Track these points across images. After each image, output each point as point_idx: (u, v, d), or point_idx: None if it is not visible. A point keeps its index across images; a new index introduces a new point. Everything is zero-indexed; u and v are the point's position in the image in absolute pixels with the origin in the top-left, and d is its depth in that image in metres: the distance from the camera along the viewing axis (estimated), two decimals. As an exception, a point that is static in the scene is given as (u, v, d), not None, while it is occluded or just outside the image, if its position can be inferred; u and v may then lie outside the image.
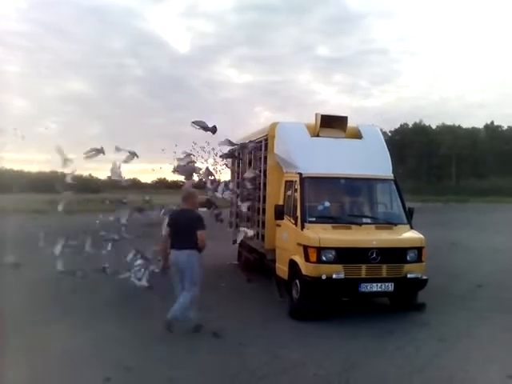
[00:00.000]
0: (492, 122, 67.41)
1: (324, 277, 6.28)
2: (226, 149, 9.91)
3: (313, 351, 5.36)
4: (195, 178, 9.47)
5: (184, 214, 6.08)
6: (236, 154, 10.05)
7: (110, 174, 8.61)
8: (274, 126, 8.09)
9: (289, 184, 7.63)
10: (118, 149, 8.33)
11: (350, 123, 7.98)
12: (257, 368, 4.82)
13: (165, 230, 6.26)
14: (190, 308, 5.92)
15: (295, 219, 7.00)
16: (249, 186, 8.95)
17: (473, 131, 64.85)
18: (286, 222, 7.31)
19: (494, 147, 59.93)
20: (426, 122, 64.06)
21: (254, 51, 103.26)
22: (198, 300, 6.02)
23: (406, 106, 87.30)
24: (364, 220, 7.27)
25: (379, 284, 6.46)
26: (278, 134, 7.91)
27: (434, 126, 64.53)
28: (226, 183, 9.74)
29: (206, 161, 9.67)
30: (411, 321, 6.65)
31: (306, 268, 6.51)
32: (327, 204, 7.17)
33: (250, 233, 8.66)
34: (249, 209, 9.16)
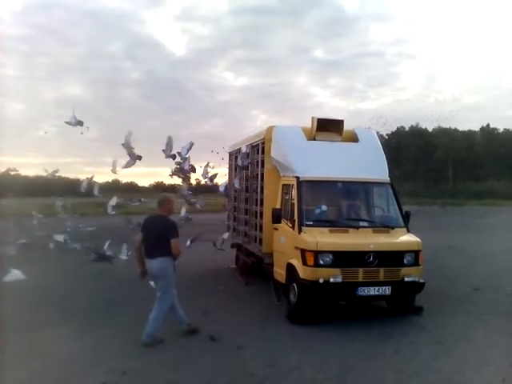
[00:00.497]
0: (488, 125, 67.70)
1: (321, 280, 6.28)
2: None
3: (311, 355, 5.36)
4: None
5: (157, 220, 5.78)
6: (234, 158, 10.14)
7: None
8: (270, 129, 8.10)
9: (286, 188, 7.64)
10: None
11: (347, 126, 8.02)
12: (255, 371, 4.82)
13: (137, 235, 5.91)
14: (178, 312, 5.84)
15: (292, 223, 7.01)
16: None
17: (469, 134, 65.07)
18: (284, 225, 7.31)
19: (490, 150, 60.12)
20: (423, 125, 64.20)
21: (250, 54, 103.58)
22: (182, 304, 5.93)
23: (402, 109, 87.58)
24: (361, 223, 7.29)
25: (376, 287, 6.46)
26: (274, 138, 7.93)
27: (430, 129, 64.73)
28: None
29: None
30: (409, 324, 6.65)
31: (303, 272, 6.51)
32: (324, 207, 7.18)
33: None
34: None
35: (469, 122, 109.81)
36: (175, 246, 5.57)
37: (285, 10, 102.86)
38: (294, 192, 7.20)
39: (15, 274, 8.30)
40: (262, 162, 8.40)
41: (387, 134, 60.31)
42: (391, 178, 7.78)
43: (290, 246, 7.02)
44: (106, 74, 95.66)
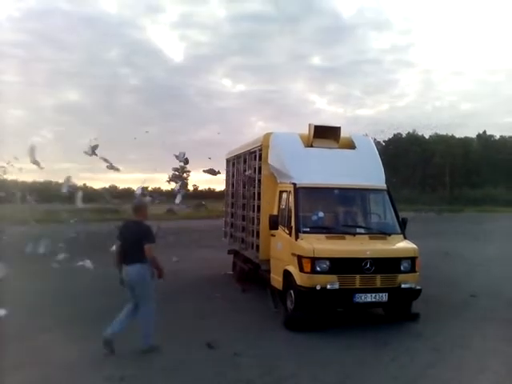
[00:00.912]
0: (485, 132, 68.15)
1: (318, 287, 6.28)
2: None
3: (307, 362, 5.35)
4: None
5: (132, 227, 5.69)
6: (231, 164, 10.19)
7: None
8: (267, 136, 8.13)
9: (283, 194, 7.66)
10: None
11: (344, 133, 8.06)
12: (252, 379, 4.81)
13: (116, 243, 5.83)
14: (125, 323, 5.56)
15: (289, 229, 7.02)
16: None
17: (466, 141, 65.42)
18: (281, 232, 7.32)
19: (487, 157, 60.45)
20: (420, 132, 64.53)
21: (248, 61, 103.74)
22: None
23: (399, 116, 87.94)
24: (358, 230, 7.31)
25: (373, 294, 6.47)
26: (271, 145, 7.96)
27: (427, 136, 65.05)
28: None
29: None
30: (406, 331, 6.66)
31: (300, 278, 6.51)
32: (321, 214, 7.18)
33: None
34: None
35: (465, 129, 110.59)
36: (149, 251, 5.42)
37: (283, 17, 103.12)
38: (291, 198, 7.21)
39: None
40: (260, 168, 8.42)
41: (384, 141, 60.69)
42: (388, 184, 7.81)
43: (286, 252, 7.03)
44: (104, 80, 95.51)
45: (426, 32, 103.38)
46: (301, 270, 6.50)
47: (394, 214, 7.48)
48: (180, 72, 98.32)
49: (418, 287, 6.76)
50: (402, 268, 6.65)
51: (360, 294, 6.42)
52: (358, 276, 6.45)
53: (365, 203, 7.94)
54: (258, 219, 8.32)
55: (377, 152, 8.22)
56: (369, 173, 7.77)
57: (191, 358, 5.42)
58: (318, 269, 6.38)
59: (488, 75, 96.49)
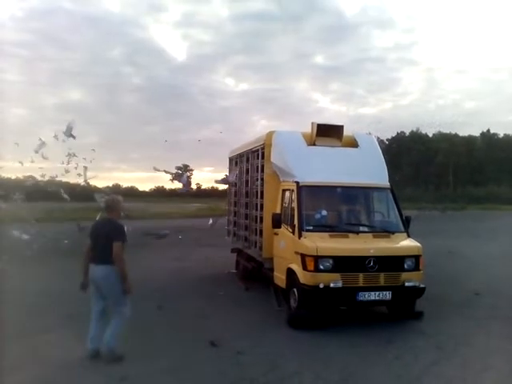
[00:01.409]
0: (488, 130, 67.96)
1: (322, 285, 6.29)
2: None
3: (311, 360, 5.35)
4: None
5: (105, 225, 5.37)
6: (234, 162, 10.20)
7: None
8: (270, 134, 8.13)
9: (286, 192, 7.66)
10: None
11: (347, 131, 8.05)
12: (255, 377, 4.80)
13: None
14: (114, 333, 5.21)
15: (292, 228, 7.01)
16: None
17: (469, 139, 65.20)
18: (284, 230, 7.32)
19: (491, 155, 60.28)
20: (423, 130, 64.36)
21: (251, 60, 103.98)
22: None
23: (402, 114, 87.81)
24: (361, 228, 7.30)
25: (377, 292, 6.46)
26: (274, 143, 7.95)
27: (430, 134, 64.88)
28: None
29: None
30: (409, 329, 6.65)
31: (303, 277, 6.51)
32: (324, 212, 7.19)
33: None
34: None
35: (469, 127, 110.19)
36: (116, 249, 5.04)
37: (286, 16, 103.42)
38: (294, 197, 7.21)
39: None
40: (262, 166, 8.41)
41: (387, 139, 60.60)
42: (391, 182, 7.80)
43: (290, 250, 7.03)
44: (107, 80, 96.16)
45: (430, 30, 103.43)
46: (304, 268, 6.50)
47: (397, 212, 7.47)
48: (183, 71, 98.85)
49: (422, 285, 6.75)
50: (405, 266, 6.65)
51: (363, 293, 6.42)
52: (361, 274, 6.45)
53: (368, 201, 7.94)
54: (261, 218, 8.32)
55: (380, 150, 8.21)
56: (372, 171, 7.75)
57: (194, 357, 5.42)
58: (322, 267, 6.38)
59: (491, 73, 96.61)
